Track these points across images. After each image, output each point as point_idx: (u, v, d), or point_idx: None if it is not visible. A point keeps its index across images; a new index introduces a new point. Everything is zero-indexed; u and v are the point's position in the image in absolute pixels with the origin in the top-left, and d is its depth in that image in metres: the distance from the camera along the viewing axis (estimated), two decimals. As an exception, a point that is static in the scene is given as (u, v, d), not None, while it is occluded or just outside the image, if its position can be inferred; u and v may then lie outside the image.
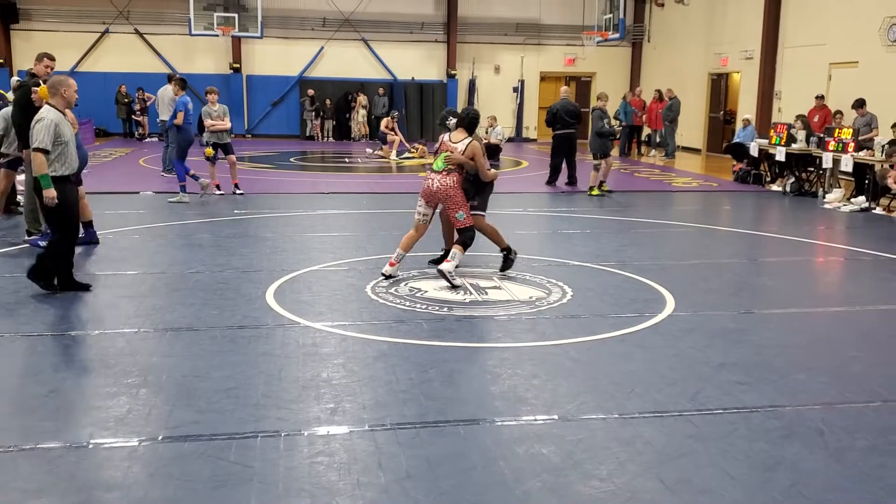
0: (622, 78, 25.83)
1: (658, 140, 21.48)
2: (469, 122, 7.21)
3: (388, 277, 7.01)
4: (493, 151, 10.42)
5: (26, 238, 8.41)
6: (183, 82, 12.38)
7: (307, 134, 24.24)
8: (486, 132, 16.59)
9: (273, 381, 4.58)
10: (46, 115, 6.25)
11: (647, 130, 22.39)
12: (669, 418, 4.17)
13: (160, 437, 3.82)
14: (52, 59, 8.16)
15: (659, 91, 21.00)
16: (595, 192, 12.97)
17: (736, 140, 16.31)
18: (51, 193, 6.16)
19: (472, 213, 7.24)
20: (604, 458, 3.71)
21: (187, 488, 3.35)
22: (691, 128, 22.12)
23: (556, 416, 4.16)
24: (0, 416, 4.08)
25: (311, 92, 23.78)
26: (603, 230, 9.93)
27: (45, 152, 6.16)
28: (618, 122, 21.51)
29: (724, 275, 7.58)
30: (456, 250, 6.90)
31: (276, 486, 3.38)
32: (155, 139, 21.71)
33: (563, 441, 3.87)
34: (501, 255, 7.45)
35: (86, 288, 6.52)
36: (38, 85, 7.44)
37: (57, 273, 6.43)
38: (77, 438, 3.79)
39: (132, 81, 22.87)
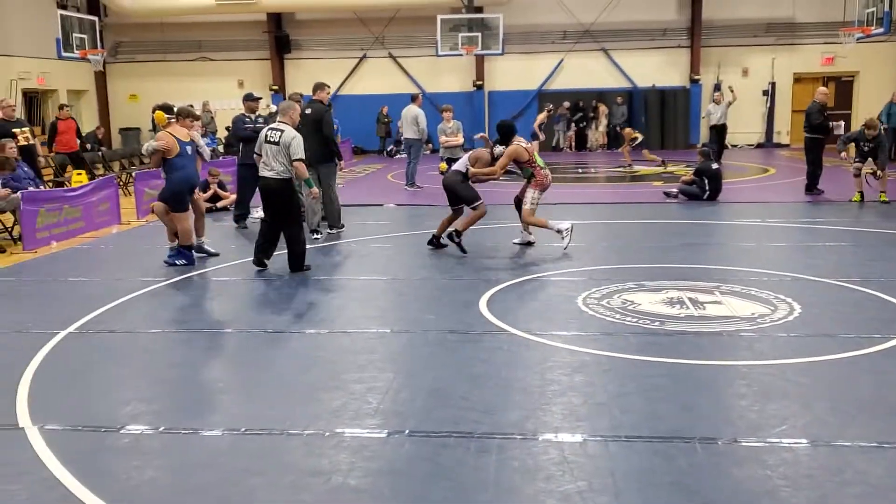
0: (891, 76, 23.36)
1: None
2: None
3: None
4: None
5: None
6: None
7: (559, 146, 24.40)
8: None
9: (473, 384, 4.77)
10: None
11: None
12: (890, 451, 3.80)
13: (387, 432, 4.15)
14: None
15: (934, 88, 18.81)
16: (856, 198, 12.00)
17: None
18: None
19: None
20: (804, 486, 3.48)
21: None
22: (975, 128, 19.51)
23: (754, 440, 3.95)
24: (287, 404, 4.65)
25: (566, 104, 23.98)
26: (850, 243, 9.12)
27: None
28: (882, 125, 19.57)
29: None
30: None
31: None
32: (404, 155, 23.07)
33: (763, 465, 3.68)
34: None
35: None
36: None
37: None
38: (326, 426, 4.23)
39: (386, 102, 24.46)
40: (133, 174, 13.47)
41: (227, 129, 17.51)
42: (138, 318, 6.63)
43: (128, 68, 25.59)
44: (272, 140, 8.00)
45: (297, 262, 8.10)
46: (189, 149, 8.57)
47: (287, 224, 8.06)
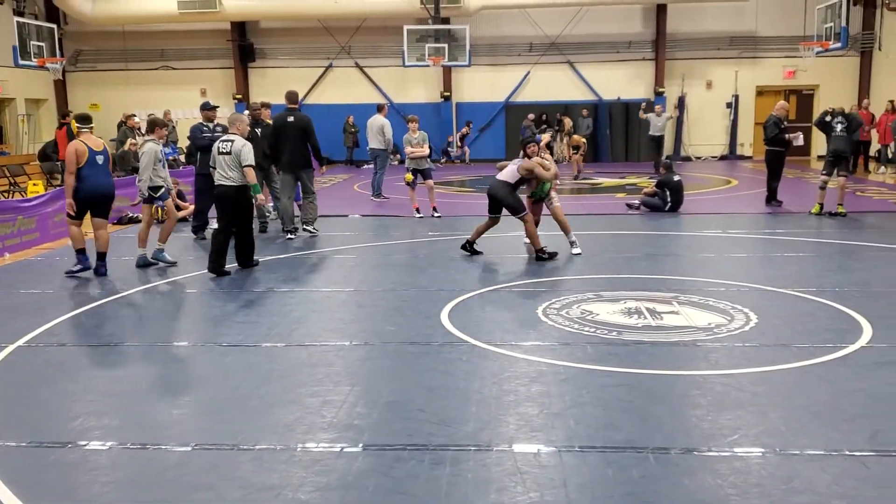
0: (850, 90, 23.86)
1: (889, 156, 19.62)
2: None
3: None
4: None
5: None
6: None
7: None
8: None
9: (431, 396, 4.74)
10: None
11: (875, 146, 20.51)
12: (839, 458, 3.84)
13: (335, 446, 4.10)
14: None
15: (891, 102, 19.21)
16: (815, 209, 12.21)
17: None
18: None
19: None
20: (754, 495, 3.49)
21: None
22: (930, 141, 19.96)
23: (706, 449, 3.96)
24: (240, 418, 4.57)
25: (531, 116, 24.11)
26: (808, 253, 9.25)
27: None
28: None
29: (941, 304, 6.81)
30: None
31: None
32: (370, 166, 23.03)
33: (715, 474, 3.69)
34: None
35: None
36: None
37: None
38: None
39: (352, 112, 24.41)
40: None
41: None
42: (90, 330, 6.51)
43: (88, 77, 25.30)
44: (224, 151, 8.52)
45: (247, 258, 8.84)
46: (100, 158, 8.48)
47: (242, 226, 8.73)
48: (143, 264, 9.05)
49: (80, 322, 6.73)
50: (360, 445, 4.08)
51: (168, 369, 5.51)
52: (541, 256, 8.96)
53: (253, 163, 8.49)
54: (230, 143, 8.47)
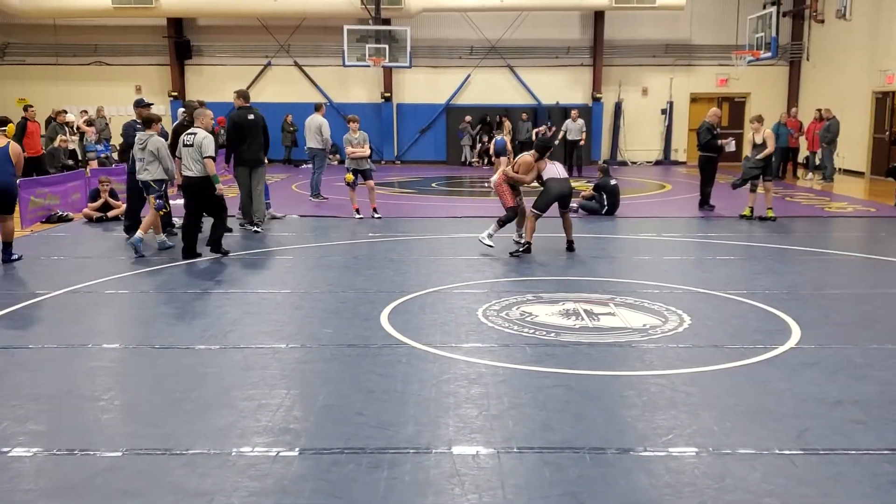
0: (779, 98, 24.63)
1: (817, 162, 20.30)
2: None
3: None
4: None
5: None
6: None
7: (466, 161, 24.52)
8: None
9: (369, 399, 4.70)
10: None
11: (804, 153, 21.19)
12: (769, 456, 3.94)
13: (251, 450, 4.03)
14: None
15: (819, 111, 19.88)
16: (746, 212, 12.55)
17: (900, 162, 15.13)
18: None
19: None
20: (687, 494, 3.56)
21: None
22: (853, 149, 20.74)
23: (642, 449, 4.02)
24: (172, 422, 4.44)
25: (468, 118, 24.23)
26: (739, 257, 9.49)
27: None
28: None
29: (862, 306, 7.04)
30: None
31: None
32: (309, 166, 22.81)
33: (649, 474, 3.74)
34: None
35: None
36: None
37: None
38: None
39: (291, 111, 24.12)
40: (18, 182, 12.77)
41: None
42: (16, 333, 6.28)
43: (17, 71, 24.48)
44: (188, 143, 9.12)
45: (217, 243, 9.32)
46: None
47: (213, 211, 9.32)
48: (165, 247, 9.68)
49: (5, 323, 6.48)
50: (297, 449, 4.02)
51: (98, 372, 5.34)
52: (524, 251, 9.43)
53: (213, 154, 9.05)
54: (193, 136, 9.10)
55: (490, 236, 9.56)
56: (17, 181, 9.17)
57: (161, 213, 9.73)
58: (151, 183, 9.45)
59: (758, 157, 12.25)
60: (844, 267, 9.08)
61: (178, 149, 9.36)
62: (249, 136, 11.28)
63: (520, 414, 4.47)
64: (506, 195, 9.68)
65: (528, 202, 9.78)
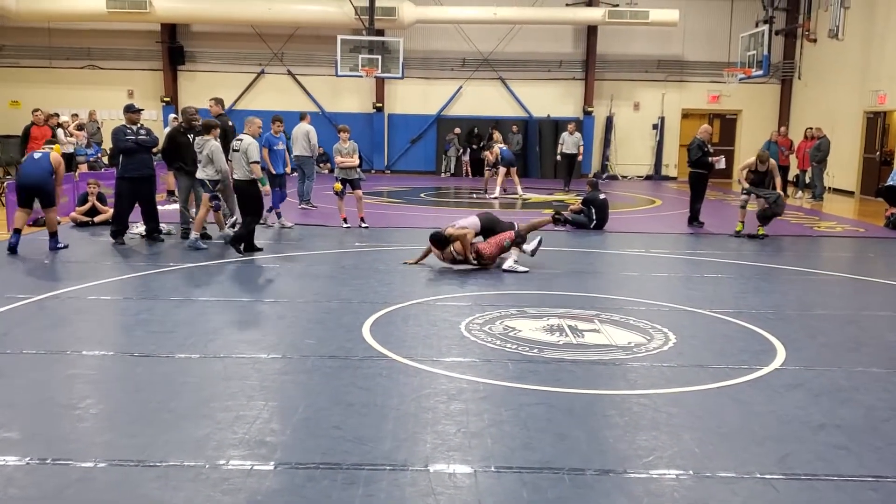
0: (770, 116, 24.76)
1: (807, 181, 20.38)
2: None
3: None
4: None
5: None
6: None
7: (447, 172, 24.55)
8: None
9: (347, 412, 4.65)
10: None
11: (794, 171, 21.28)
12: (750, 480, 3.90)
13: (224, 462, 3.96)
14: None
15: (809, 129, 19.98)
16: (739, 227, 12.61)
17: (890, 183, 15.15)
18: None
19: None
20: (666, 517, 3.51)
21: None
22: (844, 169, 20.84)
23: (622, 471, 3.97)
24: (147, 433, 4.37)
25: (457, 130, 24.28)
26: (728, 275, 9.48)
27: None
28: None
29: (849, 328, 7.03)
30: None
31: (323, 518, 3.42)
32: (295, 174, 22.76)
33: (629, 497, 3.70)
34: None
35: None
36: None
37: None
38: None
39: (284, 120, 23.96)
40: (5, 184, 12.71)
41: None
42: (-6, 338, 6.19)
43: (10, 73, 24.35)
44: (236, 149, 9.93)
45: (237, 240, 9.86)
46: (36, 155, 9.88)
47: (247, 211, 9.94)
48: (197, 248, 10.19)
49: (-17, 329, 6.40)
50: (272, 463, 3.96)
51: (75, 380, 5.26)
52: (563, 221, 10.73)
53: (258, 159, 9.83)
54: (240, 142, 9.89)
55: (516, 262, 9.27)
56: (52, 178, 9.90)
57: (210, 207, 10.34)
58: (206, 182, 10.19)
59: (772, 191, 12.41)
60: (832, 287, 9.08)
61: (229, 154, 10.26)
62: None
63: (499, 432, 4.42)
64: (491, 247, 9.33)
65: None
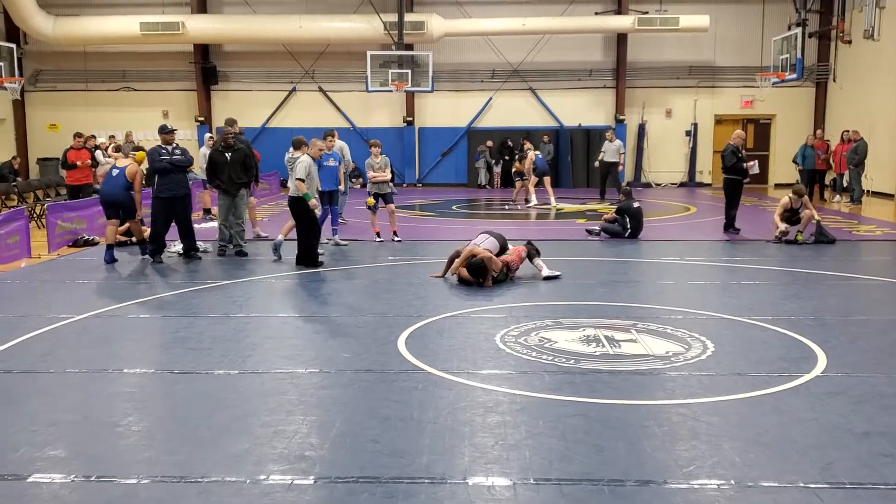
0: (805, 120, 24.43)
1: (844, 185, 20.06)
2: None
3: None
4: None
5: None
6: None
7: (482, 184, 24.58)
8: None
9: (384, 426, 4.67)
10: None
11: (831, 175, 20.96)
12: (793, 490, 3.84)
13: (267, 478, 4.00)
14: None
15: (847, 132, 19.68)
16: (777, 232, 12.48)
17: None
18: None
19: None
20: (708, 528, 3.47)
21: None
22: (883, 172, 20.46)
23: (662, 481, 3.94)
24: (188, 449, 4.44)
25: (489, 143, 24.32)
26: (765, 281, 9.36)
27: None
28: (796, 165, 20.41)
29: (891, 333, 6.89)
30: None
31: (362, 532, 3.43)
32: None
33: (669, 507, 3.67)
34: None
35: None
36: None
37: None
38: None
39: (316, 136, 24.12)
40: (46, 206, 12.98)
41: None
42: (39, 357, 6.32)
43: (48, 97, 24.92)
44: (291, 168, 10.67)
45: (305, 258, 10.32)
46: (114, 172, 10.60)
47: (298, 230, 10.34)
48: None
49: (28, 347, 6.54)
50: (312, 478, 3.99)
51: (116, 398, 5.36)
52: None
53: (303, 176, 10.02)
54: (295, 161, 10.48)
55: (549, 269, 9.46)
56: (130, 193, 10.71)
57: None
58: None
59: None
60: (872, 292, 8.92)
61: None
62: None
63: (537, 444, 4.41)
64: (516, 260, 9.44)
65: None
